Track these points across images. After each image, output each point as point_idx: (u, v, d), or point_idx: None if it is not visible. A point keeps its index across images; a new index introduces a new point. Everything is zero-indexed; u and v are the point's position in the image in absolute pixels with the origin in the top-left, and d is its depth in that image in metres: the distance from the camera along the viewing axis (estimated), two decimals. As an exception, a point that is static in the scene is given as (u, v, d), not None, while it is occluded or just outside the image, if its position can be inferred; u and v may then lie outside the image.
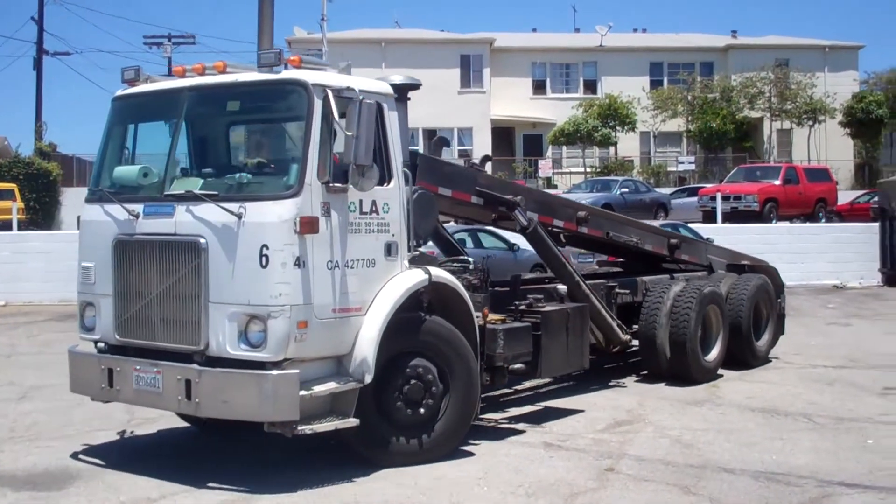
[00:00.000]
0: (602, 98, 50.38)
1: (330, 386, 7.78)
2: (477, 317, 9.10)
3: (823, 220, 32.27)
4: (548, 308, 10.24)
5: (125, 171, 8.78)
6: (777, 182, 32.03)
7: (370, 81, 8.65)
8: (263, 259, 7.53)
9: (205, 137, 9.01)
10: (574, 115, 48.84)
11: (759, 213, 30.40)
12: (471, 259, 9.83)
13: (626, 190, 33.07)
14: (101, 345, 8.62)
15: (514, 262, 20.41)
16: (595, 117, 48.19)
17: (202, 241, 7.78)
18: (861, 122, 49.89)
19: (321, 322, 7.75)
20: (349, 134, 7.65)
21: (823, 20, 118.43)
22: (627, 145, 51.46)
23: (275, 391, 7.46)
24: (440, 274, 8.85)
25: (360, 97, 7.78)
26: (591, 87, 54.96)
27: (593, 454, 8.88)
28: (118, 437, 9.70)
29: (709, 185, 36.19)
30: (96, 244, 8.53)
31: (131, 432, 9.89)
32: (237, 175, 8.20)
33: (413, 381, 8.36)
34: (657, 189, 38.00)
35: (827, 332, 17.54)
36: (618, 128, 48.85)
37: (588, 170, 47.99)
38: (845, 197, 38.11)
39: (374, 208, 8.22)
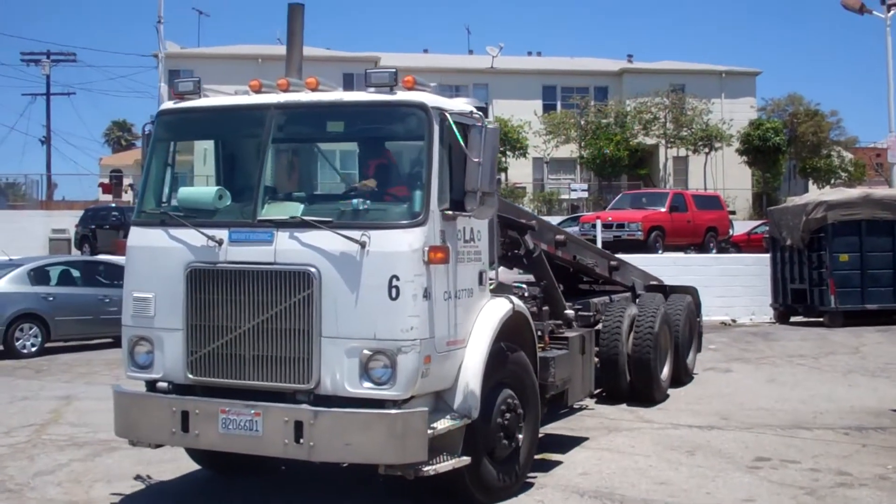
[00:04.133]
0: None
1: (446, 423, 7.31)
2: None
3: (714, 251, 30.25)
4: (569, 333, 10.42)
5: (197, 193, 8.14)
6: (663, 209, 29.76)
7: (471, 107, 8.08)
8: (393, 291, 7.03)
9: (297, 159, 8.67)
10: (463, 138, 46.49)
11: (643, 242, 28.09)
12: (525, 286, 9.80)
13: (504, 216, 30.64)
14: (162, 384, 7.76)
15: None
16: (484, 141, 45.84)
17: (313, 270, 7.14)
18: (758, 150, 48.85)
19: (439, 356, 7.34)
20: (476, 160, 7.24)
21: (720, 46, 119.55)
22: (520, 171, 49.40)
23: (405, 431, 6.94)
24: (519, 303, 8.68)
25: (484, 122, 7.44)
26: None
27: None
28: (144, 486, 8.78)
29: (590, 213, 33.89)
30: (156, 272, 7.78)
31: (148, 476, 9.04)
32: (354, 201, 7.58)
33: (510, 414, 8.12)
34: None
35: (701, 380, 14.97)
36: (508, 153, 46.64)
37: (477, 196, 45.63)
38: (743, 227, 36.76)
39: (472, 236, 7.90)
